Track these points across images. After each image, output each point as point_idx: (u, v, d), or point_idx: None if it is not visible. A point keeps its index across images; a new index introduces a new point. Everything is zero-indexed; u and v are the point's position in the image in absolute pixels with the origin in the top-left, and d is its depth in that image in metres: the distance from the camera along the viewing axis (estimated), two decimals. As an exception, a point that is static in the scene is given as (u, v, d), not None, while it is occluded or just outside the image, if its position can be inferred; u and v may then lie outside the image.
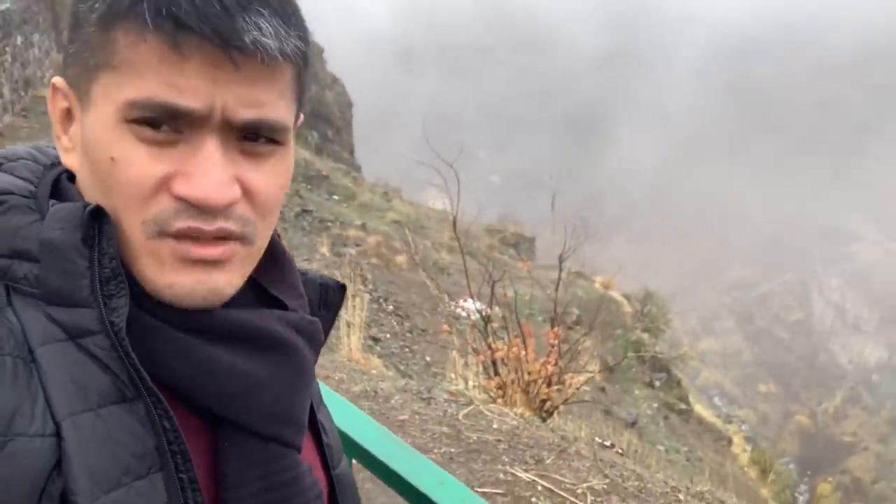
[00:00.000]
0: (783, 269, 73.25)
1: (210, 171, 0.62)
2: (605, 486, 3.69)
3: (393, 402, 4.51)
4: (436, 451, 3.79)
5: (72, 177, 0.71)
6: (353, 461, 1.38)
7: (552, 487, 3.56)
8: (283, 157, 0.69)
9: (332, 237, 12.93)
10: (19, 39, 13.01)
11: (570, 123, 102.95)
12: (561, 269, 6.31)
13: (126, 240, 0.64)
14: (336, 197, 17.00)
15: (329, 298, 0.83)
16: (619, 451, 5.18)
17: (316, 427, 0.83)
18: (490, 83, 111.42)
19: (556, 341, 5.38)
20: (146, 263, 0.64)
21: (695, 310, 64.92)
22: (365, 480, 2.62)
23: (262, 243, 0.70)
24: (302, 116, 0.75)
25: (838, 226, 76.95)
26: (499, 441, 4.00)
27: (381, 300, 10.12)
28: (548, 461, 3.85)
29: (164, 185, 0.63)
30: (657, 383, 14.51)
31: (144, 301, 0.65)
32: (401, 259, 12.53)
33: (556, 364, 5.31)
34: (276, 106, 0.66)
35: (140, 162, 0.62)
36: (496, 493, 3.42)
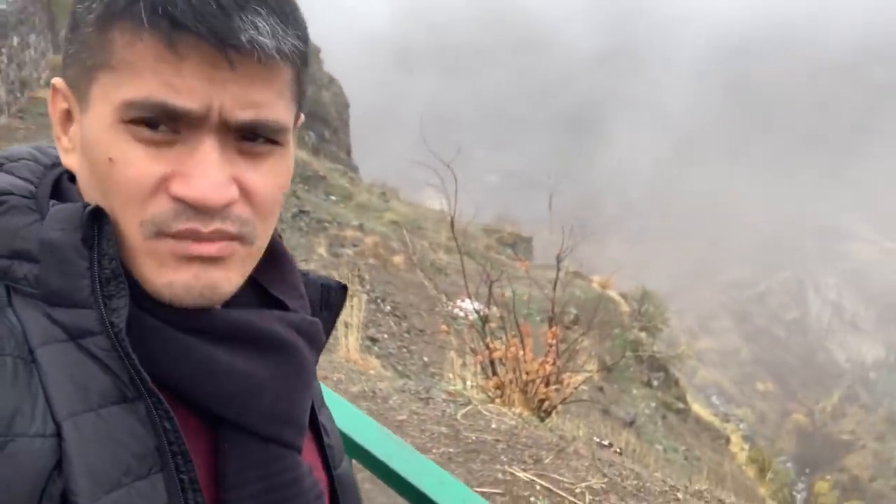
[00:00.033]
0: (780, 267, 73.41)
1: (207, 172, 0.62)
2: (603, 486, 3.69)
3: (391, 402, 4.51)
4: (434, 451, 3.80)
5: (73, 177, 0.71)
6: (353, 461, 1.38)
7: (551, 487, 3.56)
8: (283, 158, 0.69)
9: (329, 238, 12.94)
10: (15, 40, 12.99)
11: (568, 123, 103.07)
12: (559, 269, 6.32)
13: (125, 240, 0.64)
14: (333, 197, 17.00)
15: (330, 299, 0.83)
16: (618, 450, 5.19)
17: (317, 427, 0.82)
18: (487, 83, 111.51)
19: (554, 341, 5.39)
20: (145, 263, 0.64)
21: (692, 309, 65.01)
22: (364, 481, 2.61)
23: (261, 243, 0.70)
24: (302, 117, 0.75)
25: (834, 225, 77.13)
26: (497, 441, 4.00)
27: (378, 300, 10.13)
28: (546, 461, 3.85)
29: (162, 185, 0.63)
30: (655, 382, 14.54)
31: (144, 302, 0.65)
32: (398, 259, 12.54)
33: (554, 364, 5.32)
34: (275, 106, 0.65)
35: (138, 162, 0.62)
36: (495, 493, 3.42)
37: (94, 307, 0.62)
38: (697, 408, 17.64)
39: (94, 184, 0.65)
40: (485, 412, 4.46)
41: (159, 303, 0.65)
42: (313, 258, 10.85)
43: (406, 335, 9.54)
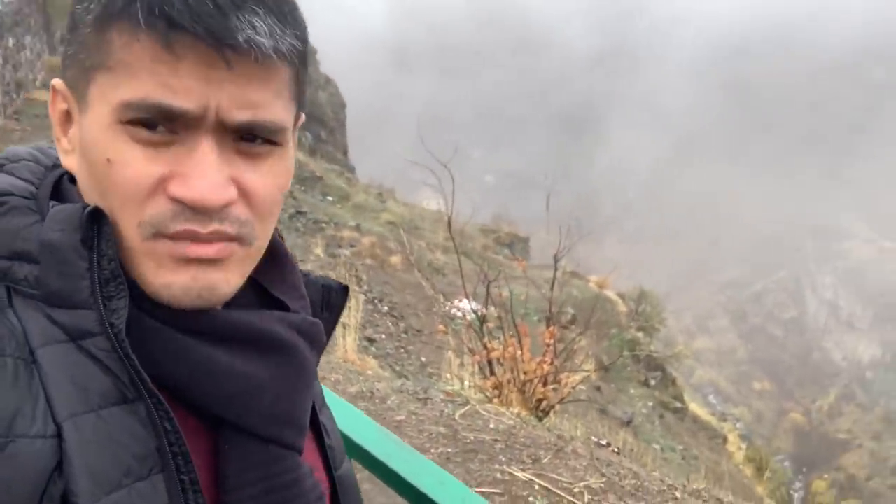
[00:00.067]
0: (777, 267, 73.55)
1: (205, 172, 0.62)
2: (601, 485, 3.69)
3: (389, 402, 4.51)
4: (433, 451, 3.80)
5: (73, 178, 0.71)
6: (353, 462, 1.37)
7: (549, 486, 3.57)
8: (282, 158, 0.68)
9: (326, 238, 12.93)
10: (11, 42, 12.96)
11: (565, 124, 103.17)
12: (556, 269, 6.32)
13: (123, 241, 0.64)
14: (330, 198, 16.99)
15: (332, 300, 0.83)
16: (615, 449, 5.19)
17: (318, 428, 0.82)
18: (485, 83, 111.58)
19: (552, 341, 5.39)
20: (143, 264, 0.64)
21: (689, 308, 65.13)
22: (363, 481, 2.61)
23: (261, 244, 0.69)
24: (303, 116, 0.74)
25: (832, 224, 77.31)
26: (495, 441, 4.01)
27: (376, 301, 10.13)
28: (544, 460, 3.85)
29: (160, 186, 0.62)
30: (652, 382, 14.55)
31: (144, 303, 0.65)
32: (395, 260, 12.54)
33: (551, 363, 5.32)
34: (272, 106, 0.65)
35: (135, 163, 0.62)
36: (493, 493, 3.43)
37: (93, 308, 0.62)
38: (694, 407, 17.66)
39: (93, 185, 0.65)
40: (483, 412, 4.46)
41: (158, 304, 0.65)
42: (310, 259, 10.84)
43: (403, 335, 9.54)
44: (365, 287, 10.12)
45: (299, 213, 13.85)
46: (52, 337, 0.62)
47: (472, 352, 5.71)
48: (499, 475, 3.62)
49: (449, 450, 3.84)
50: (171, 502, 0.62)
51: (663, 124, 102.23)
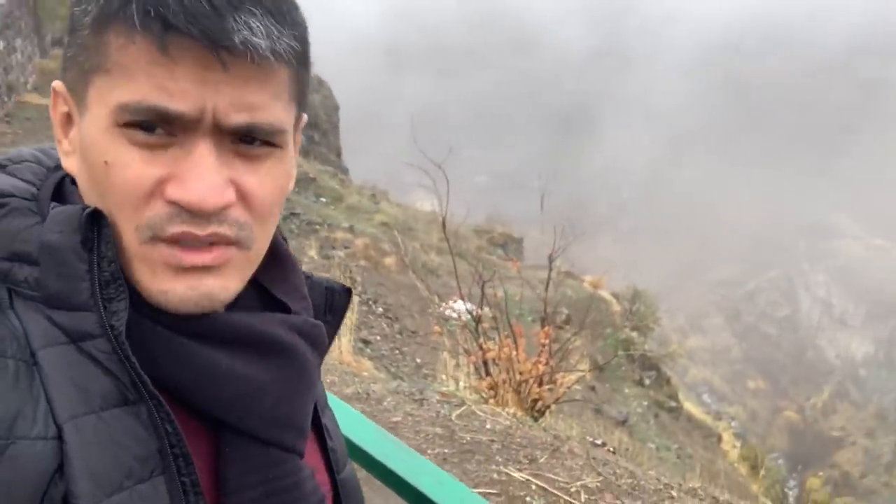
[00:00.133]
0: (769, 266, 73.80)
1: (203, 175, 0.62)
2: (598, 485, 3.70)
3: (385, 403, 4.51)
4: (430, 452, 3.79)
5: (75, 180, 0.71)
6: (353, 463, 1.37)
7: (546, 486, 3.57)
8: (281, 160, 0.68)
9: (320, 240, 12.91)
10: (1, 45, 12.90)
11: (558, 124, 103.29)
12: (551, 269, 6.33)
13: (122, 244, 0.64)
14: (323, 199, 16.96)
15: (335, 302, 0.82)
16: (611, 449, 5.20)
17: (320, 430, 0.82)
18: (478, 84, 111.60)
19: (547, 341, 5.40)
20: (139, 269, 0.64)
21: (683, 308, 65.26)
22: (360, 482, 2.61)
23: (260, 247, 0.69)
24: (305, 117, 0.74)
25: (823, 222, 77.62)
26: (492, 441, 4.01)
27: (370, 302, 10.11)
28: (541, 460, 3.85)
29: (157, 189, 0.62)
30: (647, 381, 14.58)
31: (143, 305, 0.65)
32: (389, 261, 12.52)
33: (546, 363, 5.33)
34: (271, 108, 0.64)
35: (133, 165, 0.62)
36: (491, 493, 3.42)
37: (93, 310, 0.62)
38: (689, 406, 17.71)
39: (92, 187, 0.65)
40: (479, 413, 4.46)
41: (158, 306, 0.65)
42: (304, 261, 10.81)
43: (398, 337, 9.53)
44: (359, 288, 10.09)
45: (293, 214, 13.82)
46: (53, 339, 0.62)
47: (467, 352, 5.71)
48: (496, 475, 3.62)
49: (446, 451, 3.84)
50: None
51: (656, 124, 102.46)
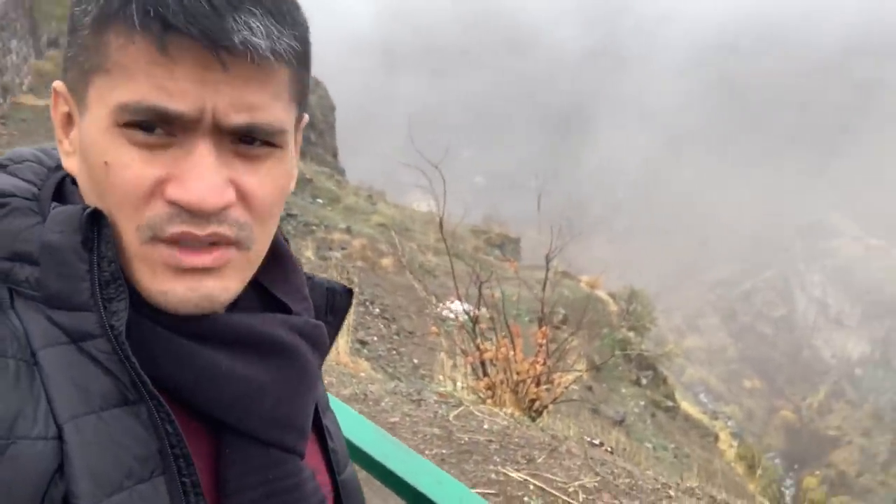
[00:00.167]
0: (765, 266, 74.00)
1: (202, 175, 0.61)
2: (596, 484, 3.70)
3: (383, 404, 4.50)
4: (428, 452, 3.79)
5: (76, 180, 0.71)
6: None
7: (544, 486, 3.57)
8: (282, 160, 0.68)
9: (316, 241, 12.91)
10: (-3, 46, 12.87)
11: (554, 124, 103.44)
12: (548, 269, 6.33)
13: (122, 244, 0.64)
14: (320, 200, 16.96)
15: (336, 303, 0.82)
16: (609, 449, 5.20)
17: (321, 431, 0.82)
18: (474, 84, 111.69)
19: (544, 341, 5.40)
20: (139, 269, 0.64)
21: (679, 308, 65.41)
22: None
23: (260, 248, 0.69)
24: (306, 118, 0.74)
25: (818, 222, 77.81)
26: (490, 441, 4.01)
27: (367, 303, 10.11)
28: (539, 460, 3.86)
29: (157, 189, 0.62)
30: (644, 381, 14.61)
31: (144, 306, 0.64)
32: (386, 262, 12.53)
33: (544, 363, 5.33)
34: (271, 108, 0.64)
35: (133, 165, 0.62)
36: (489, 494, 3.43)
37: (93, 310, 0.62)
38: (686, 406, 17.74)
39: (92, 187, 0.65)
40: (476, 413, 4.46)
41: (158, 307, 0.65)
42: (301, 262, 10.81)
43: (395, 337, 9.54)
44: (356, 289, 10.10)
45: (289, 215, 13.83)
46: (54, 338, 0.62)
47: (464, 353, 5.71)
48: (494, 476, 3.62)
49: (444, 451, 3.84)
50: None
51: (652, 124, 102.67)
